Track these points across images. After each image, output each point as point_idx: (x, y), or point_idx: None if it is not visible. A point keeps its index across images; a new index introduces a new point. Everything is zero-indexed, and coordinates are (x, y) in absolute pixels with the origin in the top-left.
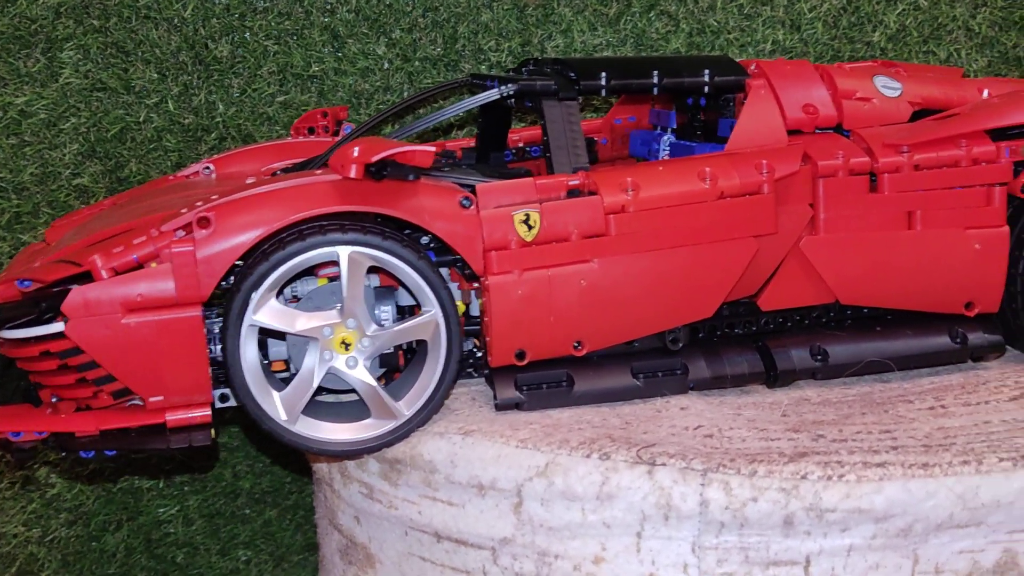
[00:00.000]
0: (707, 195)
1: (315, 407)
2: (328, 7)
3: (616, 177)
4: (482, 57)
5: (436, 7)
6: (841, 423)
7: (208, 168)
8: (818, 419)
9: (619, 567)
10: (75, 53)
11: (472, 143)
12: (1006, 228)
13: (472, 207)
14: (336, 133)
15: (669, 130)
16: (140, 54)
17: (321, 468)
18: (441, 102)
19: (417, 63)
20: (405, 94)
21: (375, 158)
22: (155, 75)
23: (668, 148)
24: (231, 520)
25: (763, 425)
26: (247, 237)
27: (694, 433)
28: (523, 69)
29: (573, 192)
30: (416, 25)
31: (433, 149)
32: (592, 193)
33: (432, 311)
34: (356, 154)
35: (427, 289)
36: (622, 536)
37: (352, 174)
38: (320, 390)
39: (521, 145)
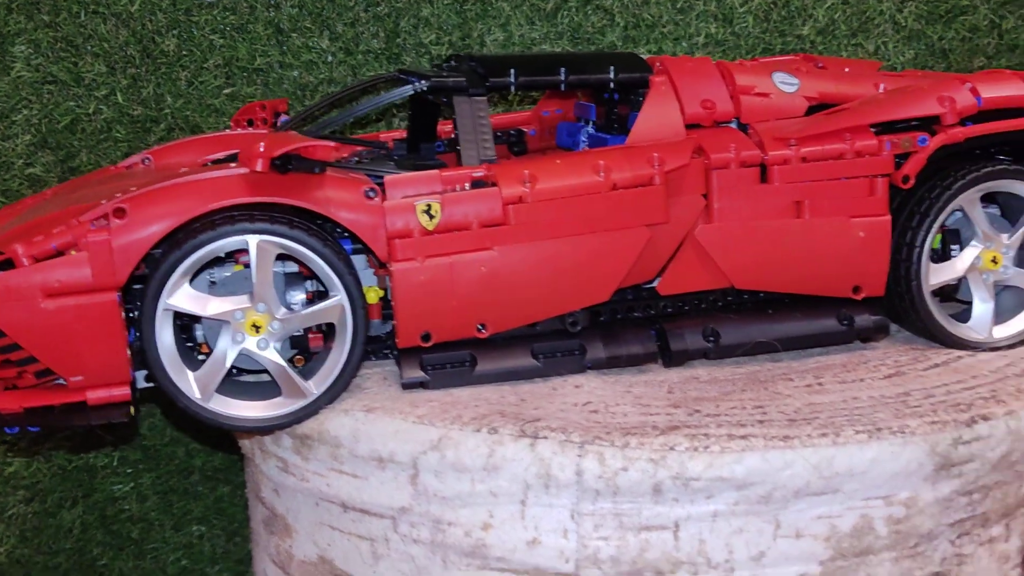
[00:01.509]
0: (601, 187)
1: (238, 387)
2: (272, 2)
3: (515, 169)
4: (423, 51)
5: (378, 2)
6: (720, 399)
7: (147, 159)
8: (700, 396)
9: (505, 533)
10: (26, 47)
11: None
12: (888, 217)
13: (377, 197)
14: (275, 125)
15: (590, 122)
16: (89, 48)
17: (245, 444)
18: (381, 93)
19: (360, 56)
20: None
21: (279, 152)
22: (104, 68)
23: (587, 140)
24: (184, 497)
25: (648, 402)
26: (160, 227)
27: (581, 409)
28: (445, 65)
29: (477, 183)
30: (358, 19)
31: (332, 144)
32: (493, 184)
33: (338, 296)
34: (262, 149)
35: (333, 275)
36: (507, 504)
37: (258, 168)
38: (243, 371)
39: (453, 136)
